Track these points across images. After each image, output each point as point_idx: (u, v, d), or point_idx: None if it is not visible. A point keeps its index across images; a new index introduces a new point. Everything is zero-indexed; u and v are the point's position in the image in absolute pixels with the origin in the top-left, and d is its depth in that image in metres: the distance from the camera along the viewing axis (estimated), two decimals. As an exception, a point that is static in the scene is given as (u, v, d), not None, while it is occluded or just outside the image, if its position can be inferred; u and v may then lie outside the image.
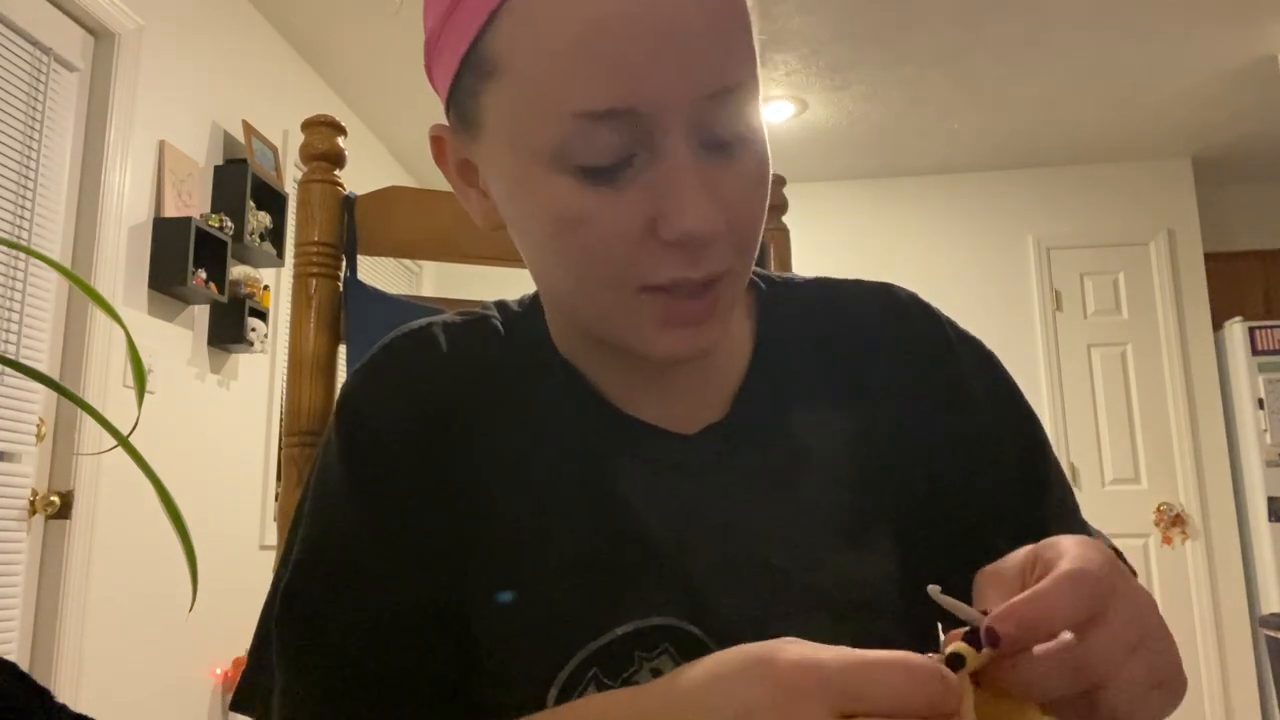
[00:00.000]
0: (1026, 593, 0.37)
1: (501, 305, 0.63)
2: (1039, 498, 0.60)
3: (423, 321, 0.60)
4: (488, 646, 0.53)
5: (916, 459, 0.58)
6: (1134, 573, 0.57)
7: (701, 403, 0.58)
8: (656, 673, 0.50)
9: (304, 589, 0.55)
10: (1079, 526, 0.60)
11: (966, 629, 0.37)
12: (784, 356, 0.60)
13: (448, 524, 0.54)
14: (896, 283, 0.65)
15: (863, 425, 0.58)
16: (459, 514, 0.55)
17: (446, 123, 0.55)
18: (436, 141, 0.55)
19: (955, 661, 0.36)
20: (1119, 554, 0.58)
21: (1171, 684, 0.38)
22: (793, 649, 0.36)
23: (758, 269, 0.63)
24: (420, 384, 0.57)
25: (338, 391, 0.84)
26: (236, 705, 0.57)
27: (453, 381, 0.57)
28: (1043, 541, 0.41)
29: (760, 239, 0.51)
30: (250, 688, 0.56)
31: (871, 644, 0.49)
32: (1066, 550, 0.39)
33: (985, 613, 0.37)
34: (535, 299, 0.62)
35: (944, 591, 0.39)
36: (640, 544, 0.54)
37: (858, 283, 0.64)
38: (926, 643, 0.56)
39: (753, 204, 0.49)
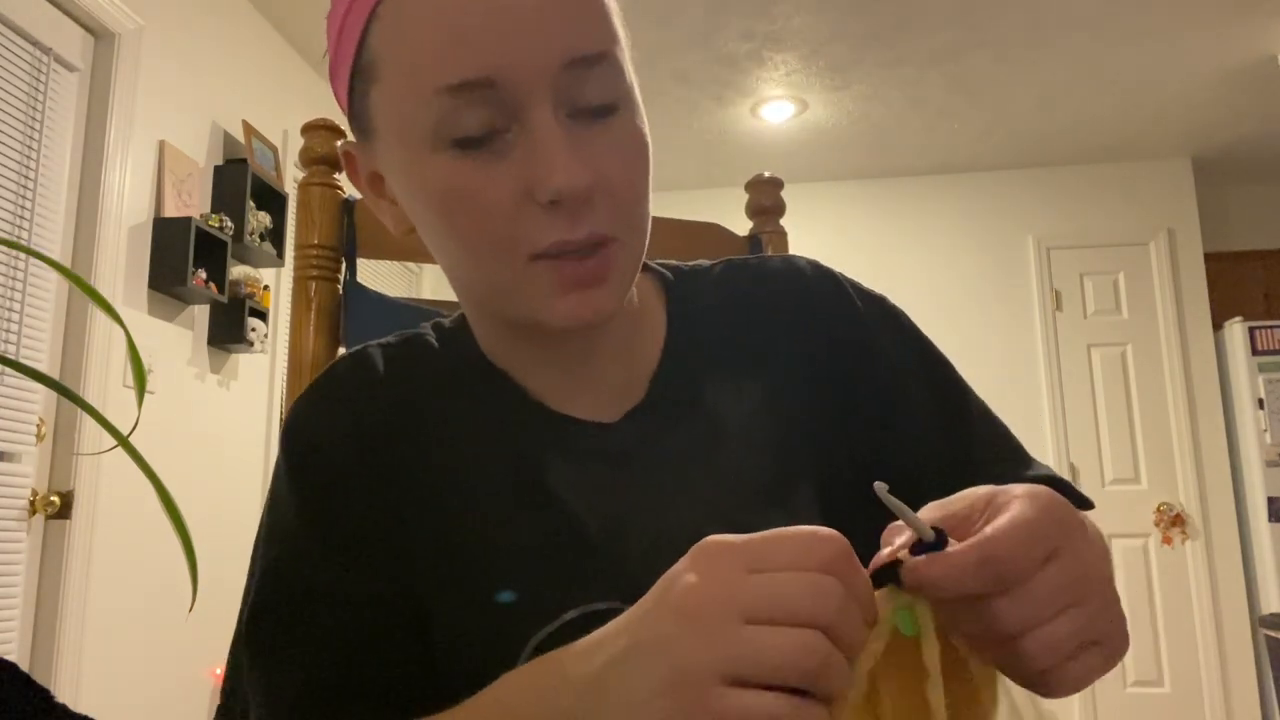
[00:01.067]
0: (937, 555, 0.38)
1: (436, 324, 0.66)
2: (964, 440, 0.62)
3: (359, 347, 0.63)
4: (444, 645, 0.56)
5: (831, 419, 0.61)
6: (1089, 504, 0.58)
7: (623, 390, 0.60)
8: None
9: (266, 611, 0.56)
10: (1016, 463, 0.62)
11: (910, 542, 0.39)
12: (696, 336, 0.63)
13: (396, 535, 0.57)
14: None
15: (775, 391, 0.61)
16: (406, 524, 0.57)
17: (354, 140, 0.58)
18: (347, 158, 0.59)
19: (887, 573, 0.39)
20: (1077, 495, 0.58)
21: (1108, 643, 0.39)
22: (719, 536, 0.40)
23: (667, 261, 0.67)
24: (360, 404, 0.60)
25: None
26: None
27: (391, 398, 0.60)
28: (999, 489, 0.42)
29: (647, 210, 0.54)
30: (225, 714, 0.57)
31: None
32: (1008, 507, 0.39)
33: (938, 531, 0.39)
34: (462, 313, 0.65)
35: (867, 543, 0.41)
36: (576, 535, 0.56)
37: (761, 258, 0.67)
38: None
39: (628, 168, 0.52)
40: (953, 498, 0.42)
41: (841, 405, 0.61)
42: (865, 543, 0.55)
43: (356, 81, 0.53)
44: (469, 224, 0.51)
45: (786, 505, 0.58)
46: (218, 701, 0.58)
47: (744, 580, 0.37)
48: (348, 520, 0.57)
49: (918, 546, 0.39)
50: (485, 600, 0.55)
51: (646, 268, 0.66)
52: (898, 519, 0.41)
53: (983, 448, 0.62)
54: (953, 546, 0.38)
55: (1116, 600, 0.41)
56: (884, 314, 0.65)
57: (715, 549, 0.39)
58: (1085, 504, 0.59)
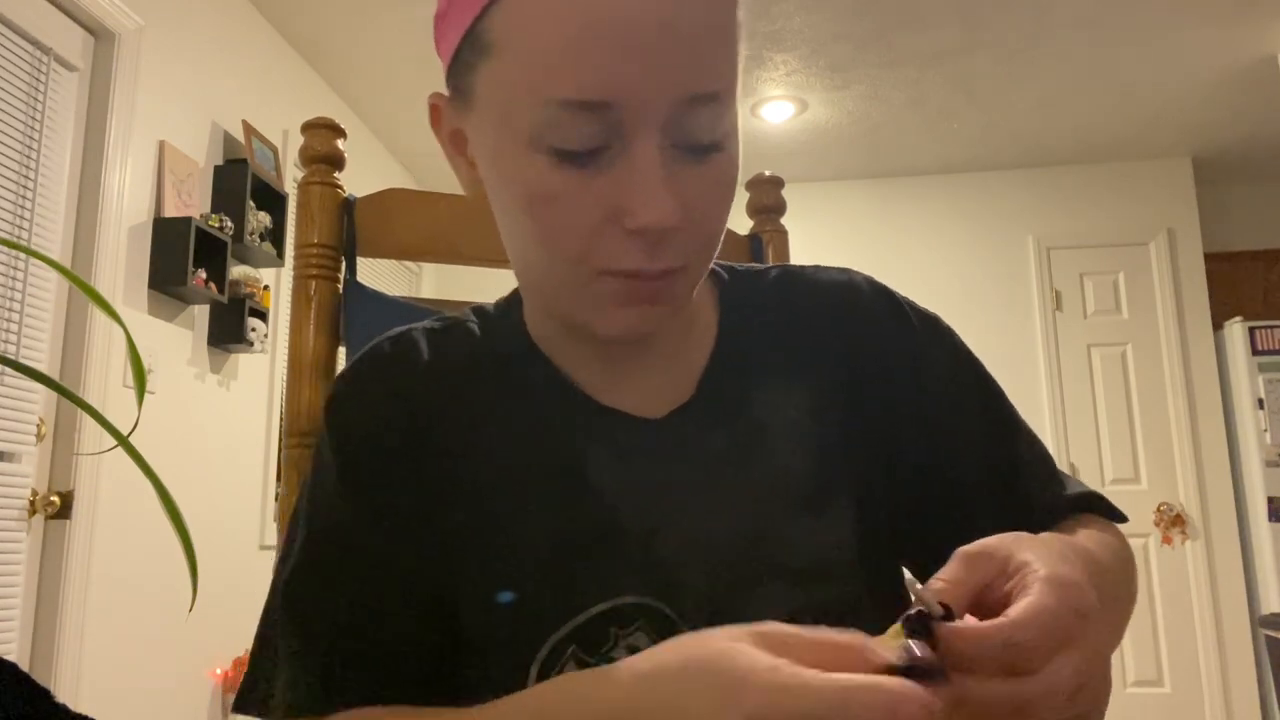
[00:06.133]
0: (964, 628, 0.38)
1: (479, 310, 0.66)
2: (1009, 461, 0.63)
3: (403, 328, 0.64)
4: (471, 627, 0.57)
5: (876, 432, 0.61)
6: (1122, 518, 0.60)
7: (670, 387, 0.61)
8: (632, 649, 0.54)
9: (301, 584, 0.58)
10: (1055, 483, 0.62)
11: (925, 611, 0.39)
12: (747, 340, 0.63)
13: (432, 515, 0.58)
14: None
15: (822, 400, 0.61)
16: (442, 505, 0.58)
17: (446, 92, 0.58)
18: (433, 108, 0.59)
19: (917, 623, 0.37)
20: (1111, 509, 0.61)
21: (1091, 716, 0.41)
22: (763, 674, 0.35)
23: (722, 261, 0.66)
24: (401, 385, 0.61)
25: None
26: (239, 705, 0.58)
27: (431, 381, 0.61)
28: (1025, 548, 0.42)
29: (721, 238, 0.55)
30: (252, 686, 0.58)
31: (830, 608, 0.54)
32: (1031, 588, 0.39)
33: (946, 608, 0.39)
34: (511, 299, 0.66)
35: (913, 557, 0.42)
36: (611, 528, 0.57)
37: (817, 268, 0.68)
38: (884, 607, 0.58)
39: (715, 207, 0.53)
40: (975, 550, 0.42)
41: (889, 419, 0.61)
42: (900, 557, 0.57)
43: (466, 48, 0.52)
44: (549, 228, 0.51)
45: (824, 514, 0.58)
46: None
47: None
48: (385, 498, 0.58)
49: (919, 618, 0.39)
50: (516, 586, 0.56)
51: None
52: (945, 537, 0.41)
53: (1026, 469, 0.63)
54: (968, 621, 0.39)
55: (1109, 684, 0.42)
56: (936, 333, 0.65)
57: (765, 716, 0.35)
58: (1119, 518, 0.61)
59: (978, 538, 0.55)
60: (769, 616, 0.51)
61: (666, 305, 0.53)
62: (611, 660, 0.52)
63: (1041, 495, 0.61)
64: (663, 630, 0.54)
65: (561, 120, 0.48)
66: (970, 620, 0.39)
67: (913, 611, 0.38)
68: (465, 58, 0.52)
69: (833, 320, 0.64)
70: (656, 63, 0.47)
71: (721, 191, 0.52)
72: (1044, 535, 0.45)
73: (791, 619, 0.52)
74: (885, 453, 0.61)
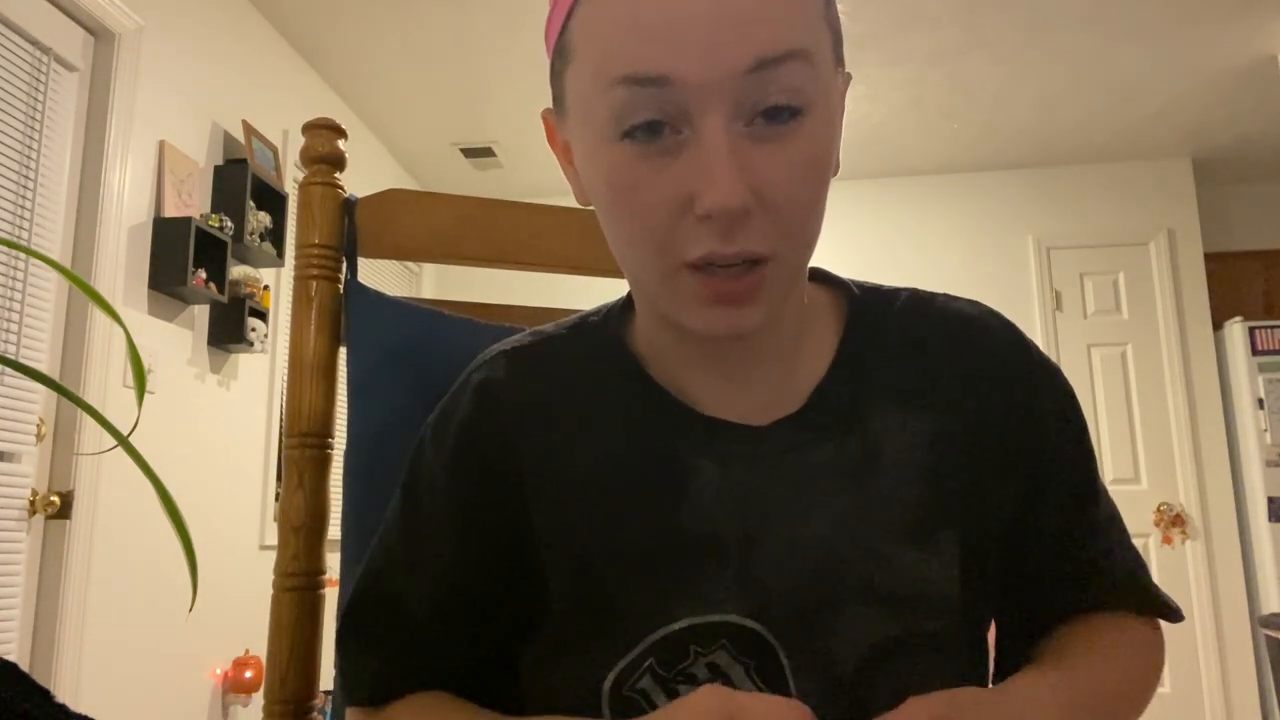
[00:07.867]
0: None
1: (576, 320, 0.66)
2: (1082, 538, 0.63)
3: (496, 347, 0.65)
4: (553, 633, 0.58)
5: (988, 473, 0.60)
6: (1178, 614, 0.63)
7: (779, 398, 0.59)
8: (712, 666, 0.54)
9: (357, 605, 0.63)
10: (1117, 574, 0.63)
11: None
12: (868, 359, 0.61)
13: (521, 525, 0.59)
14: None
15: (939, 431, 0.60)
16: (533, 515, 0.59)
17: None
18: (547, 124, 0.60)
19: None
20: (1170, 611, 0.63)
21: None
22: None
23: (856, 280, 0.66)
24: (495, 405, 0.61)
25: (341, 391, 0.84)
26: (342, 697, 0.65)
27: (524, 399, 0.61)
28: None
29: (815, 223, 0.52)
30: (337, 674, 0.65)
31: (922, 640, 0.54)
32: None
33: None
34: (612, 307, 0.66)
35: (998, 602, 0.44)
36: (708, 542, 0.56)
37: (947, 297, 0.65)
38: (976, 644, 0.60)
39: (797, 182, 0.49)
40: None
41: (1000, 463, 0.60)
42: (996, 601, 0.61)
43: (556, 59, 0.55)
44: (629, 219, 0.51)
45: (926, 546, 0.57)
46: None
47: None
48: (474, 506, 0.60)
49: None
50: (602, 597, 0.57)
51: (830, 279, 0.65)
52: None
53: (1095, 544, 0.63)
54: None
55: None
56: (1055, 386, 0.64)
57: None
58: (1173, 617, 0.64)
59: (1035, 599, 0.61)
60: (859, 639, 0.54)
61: (754, 305, 0.51)
62: (689, 676, 0.54)
63: (1095, 579, 0.62)
64: (748, 648, 0.54)
65: (627, 100, 0.48)
66: None
67: None
68: (556, 68, 0.55)
69: (959, 353, 0.62)
70: (709, 38, 0.46)
71: (803, 163, 0.49)
72: (1008, 695, 0.50)
73: (882, 645, 0.54)
74: (992, 494, 0.60)
